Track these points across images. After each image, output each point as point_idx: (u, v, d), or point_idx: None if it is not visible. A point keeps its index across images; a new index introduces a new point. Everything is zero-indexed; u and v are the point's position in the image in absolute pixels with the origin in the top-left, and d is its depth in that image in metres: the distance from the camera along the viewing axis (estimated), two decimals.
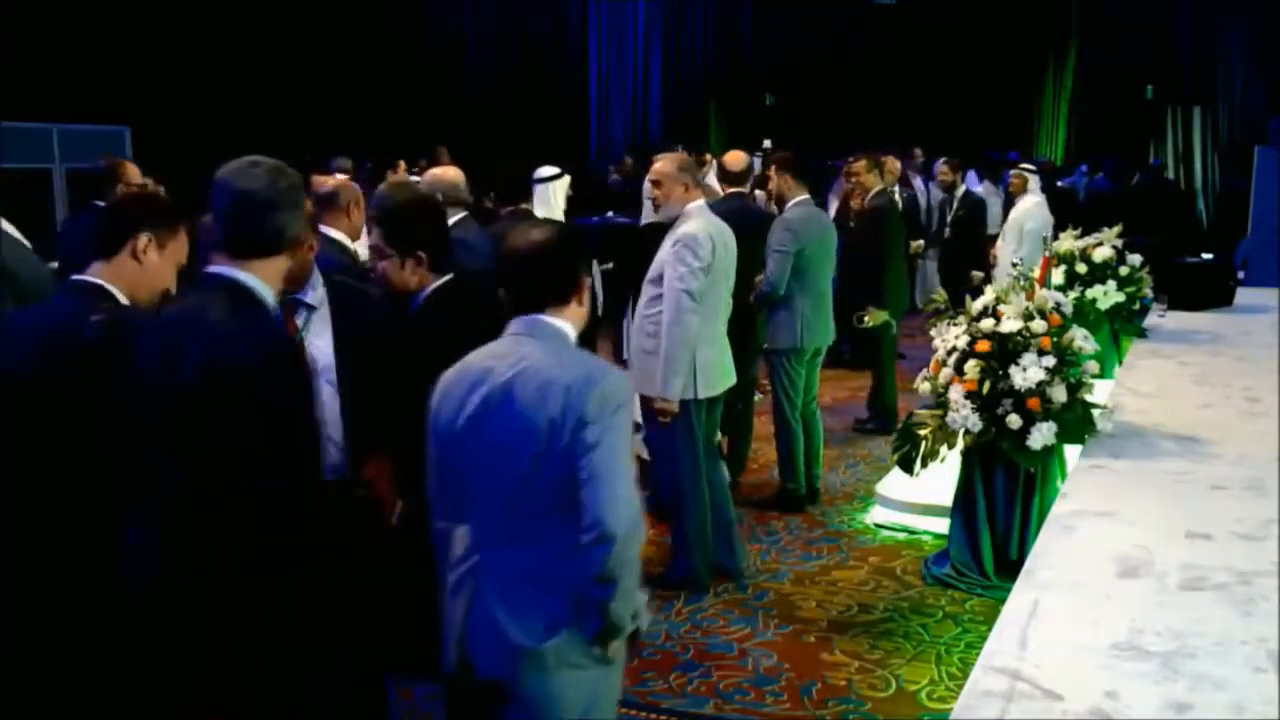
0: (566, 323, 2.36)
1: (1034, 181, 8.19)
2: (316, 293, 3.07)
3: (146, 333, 2.37)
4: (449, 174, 4.76)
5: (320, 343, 3.02)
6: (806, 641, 4.19)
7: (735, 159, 5.97)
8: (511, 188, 5.10)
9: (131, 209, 2.75)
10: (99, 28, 10.07)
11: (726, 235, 4.51)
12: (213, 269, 2.37)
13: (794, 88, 17.04)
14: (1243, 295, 7.13)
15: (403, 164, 9.70)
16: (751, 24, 17.76)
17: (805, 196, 5.69)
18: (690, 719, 3.64)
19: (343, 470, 3.03)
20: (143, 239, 2.65)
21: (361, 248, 4.52)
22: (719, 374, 4.55)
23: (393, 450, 3.10)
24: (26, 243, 3.95)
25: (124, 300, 2.63)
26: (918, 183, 10.30)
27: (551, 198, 5.63)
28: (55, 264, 4.40)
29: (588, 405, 2.18)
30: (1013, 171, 8.41)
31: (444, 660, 2.33)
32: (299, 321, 3.02)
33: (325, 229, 3.96)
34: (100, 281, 2.63)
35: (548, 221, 2.57)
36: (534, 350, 2.28)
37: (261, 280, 2.38)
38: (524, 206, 5.08)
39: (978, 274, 8.09)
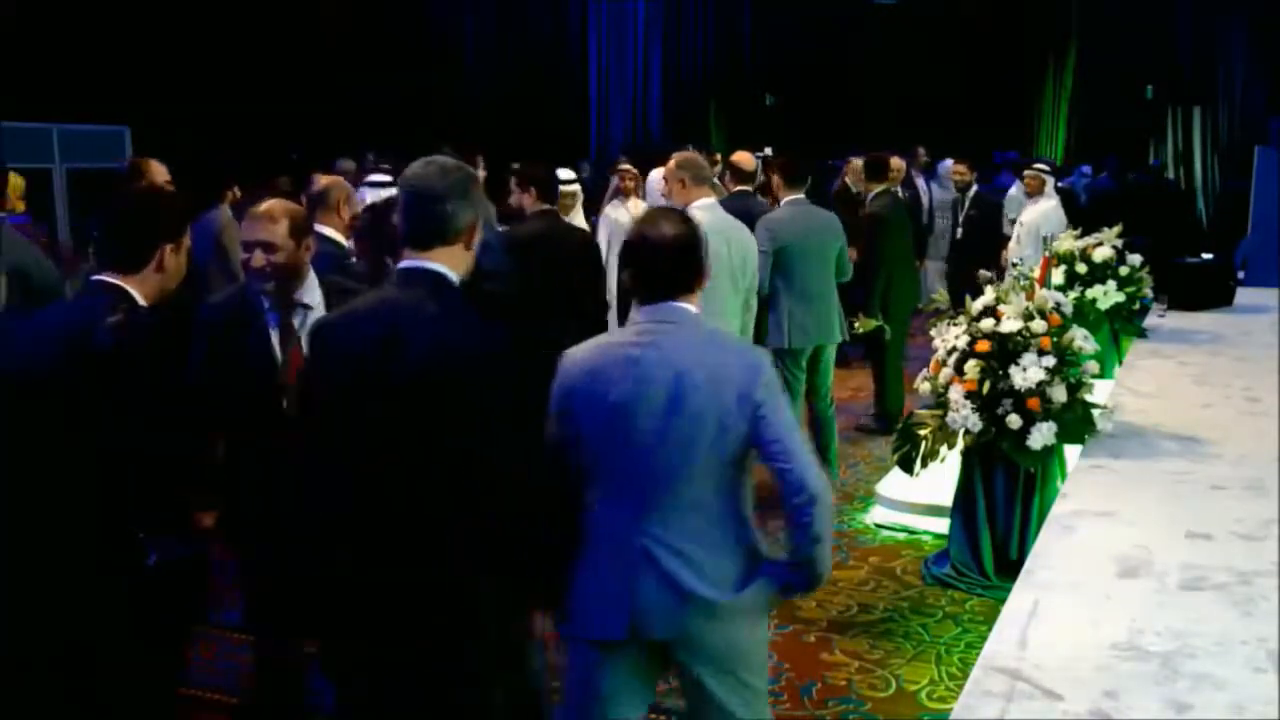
0: (694, 307, 2.50)
1: (1050, 183, 8.09)
2: (313, 294, 3.07)
3: (354, 324, 2.41)
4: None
5: None
6: (806, 641, 4.18)
7: (745, 159, 6.11)
8: (548, 187, 5.04)
9: (152, 224, 2.75)
10: (99, 28, 10.07)
11: (731, 232, 4.53)
12: (407, 263, 2.44)
13: (794, 88, 17.03)
14: (1243, 295, 7.14)
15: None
16: (751, 24, 17.74)
17: (797, 196, 5.68)
18: None
19: None
20: (166, 250, 2.70)
21: None
22: None
23: None
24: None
25: (142, 302, 2.66)
26: (920, 182, 10.28)
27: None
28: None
29: (758, 390, 2.38)
30: (1028, 172, 8.25)
31: (607, 628, 2.44)
32: (296, 322, 3.02)
33: (318, 227, 4.03)
34: (120, 283, 2.66)
35: (676, 213, 2.62)
36: (682, 336, 2.44)
37: (449, 268, 2.43)
38: (552, 208, 5.03)
39: (985, 273, 8.02)
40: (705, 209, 4.53)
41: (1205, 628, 2.52)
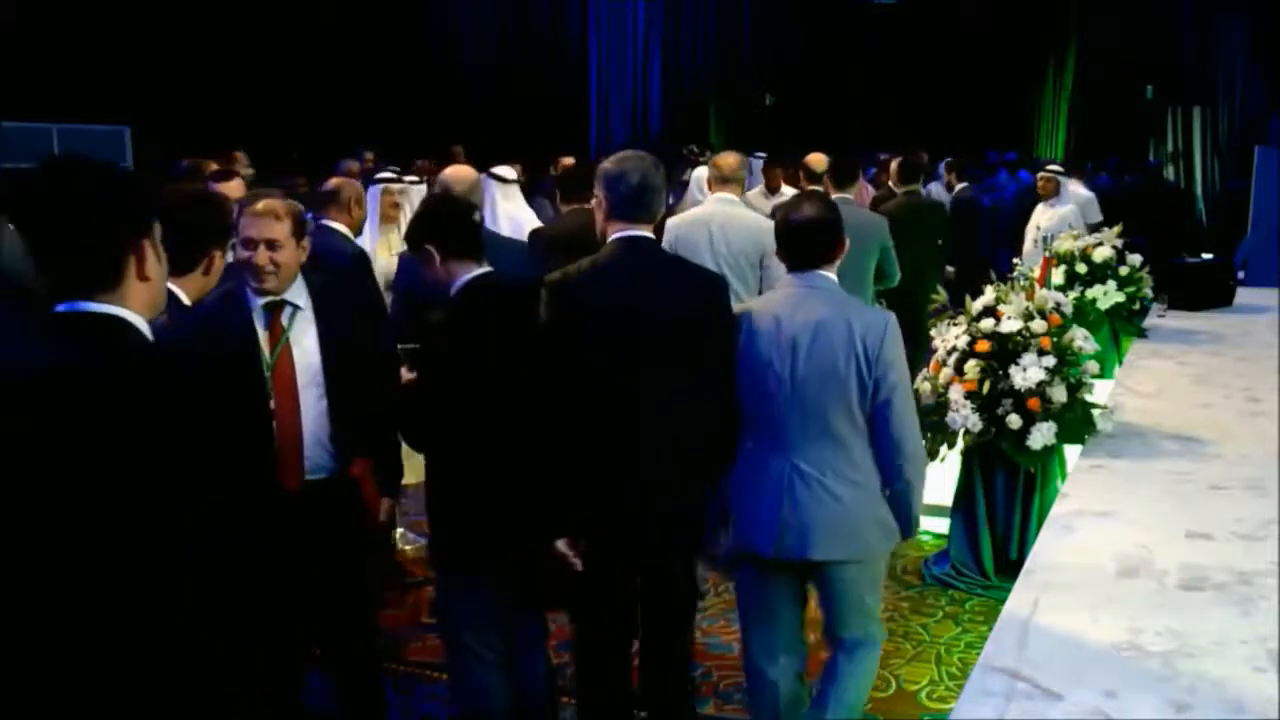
0: (833, 275, 2.95)
1: (1065, 185, 7.98)
2: (301, 293, 3.05)
3: (605, 279, 2.93)
4: (461, 173, 4.70)
5: (306, 342, 3.02)
6: (806, 641, 4.17)
7: (817, 159, 6.74)
8: (573, 184, 5.06)
9: (206, 227, 2.76)
10: (99, 28, 10.07)
11: (714, 225, 4.69)
12: (626, 233, 2.99)
13: (794, 88, 17.04)
14: (1243, 295, 7.13)
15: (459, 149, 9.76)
16: (751, 24, 17.76)
17: (844, 196, 5.84)
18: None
19: (331, 470, 3.04)
20: (216, 255, 2.72)
21: (364, 241, 4.70)
22: None
23: (378, 449, 3.14)
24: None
25: (186, 301, 2.67)
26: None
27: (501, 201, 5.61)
28: None
29: (884, 349, 2.80)
30: (1041, 174, 8.14)
31: (758, 545, 2.93)
32: (284, 321, 3.01)
33: (329, 222, 4.29)
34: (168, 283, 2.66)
35: (818, 197, 3.17)
36: (822, 298, 2.89)
37: (652, 234, 3.06)
38: (586, 206, 5.04)
39: (949, 269, 7.93)
40: (719, 201, 4.86)
41: (1205, 627, 2.52)
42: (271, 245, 2.91)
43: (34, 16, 9.59)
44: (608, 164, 3.05)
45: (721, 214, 4.76)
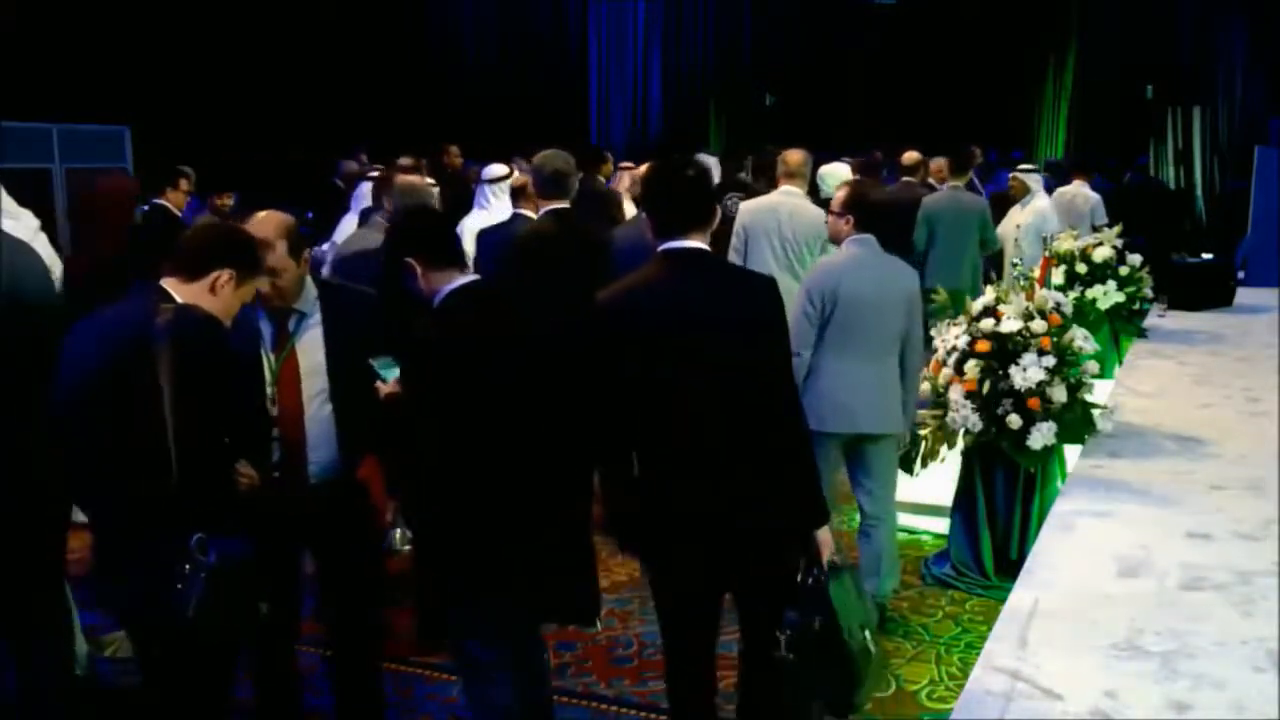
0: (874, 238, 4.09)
1: (1035, 181, 7.93)
2: (309, 299, 3.04)
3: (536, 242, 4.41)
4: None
5: (312, 348, 3.01)
6: None
7: (910, 157, 7.87)
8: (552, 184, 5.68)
9: (219, 244, 2.73)
10: (99, 28, 10.07)
11: (782, 213, 5.48)
12: (549, 208, 4.66)
13: (794, 88, 17.03)
14: (1243, 295, 7.14)
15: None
16: (751, 24, 17.75)
17: (956, 183, 7.27)
18: None
19: (336, 472, 3.04)
20: (224, 275, 2.65)
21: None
22: None
23: (385, 451, 3.12)
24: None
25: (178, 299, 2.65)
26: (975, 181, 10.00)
27: (493, 199, 5.62)
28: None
29: (914, 293, 4.06)
30: (1010, 176, 8.09)
31: (849, 424, 4.01)
32: (290, 327, 3.00)
33: (522, 210, 5.06)
34: (165, 287, 2.64)
35: (881, 185, 3.88)
36: (885, 260, 4.07)
37: None
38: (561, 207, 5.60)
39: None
40: (785, 193, 5.54)
41: (1205, 628, 2.52)
42: (271, 273, 2.90)
43: (34, 16, 9.59)
44: (535, 159, 4.55)
45: (789, 204, 5.51)
